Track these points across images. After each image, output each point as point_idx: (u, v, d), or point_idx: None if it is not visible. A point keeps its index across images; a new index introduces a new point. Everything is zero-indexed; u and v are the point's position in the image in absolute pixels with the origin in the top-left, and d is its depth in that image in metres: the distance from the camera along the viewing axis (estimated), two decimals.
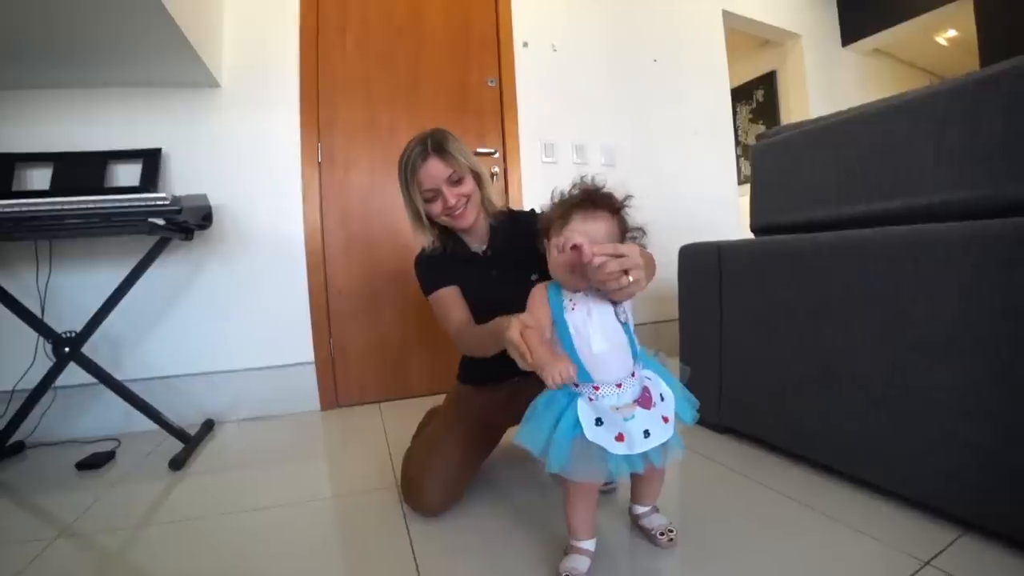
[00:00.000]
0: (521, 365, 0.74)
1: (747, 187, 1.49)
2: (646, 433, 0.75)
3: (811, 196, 1.25)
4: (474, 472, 1.12)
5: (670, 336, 1.64)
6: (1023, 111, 0.85)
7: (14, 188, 1.64)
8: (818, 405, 1.12)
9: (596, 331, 0.78)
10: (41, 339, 1.57)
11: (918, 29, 3.52)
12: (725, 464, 1.24)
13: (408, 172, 1.07)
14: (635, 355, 0.81)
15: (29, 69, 1.59)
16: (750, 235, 1.46)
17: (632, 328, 0.82)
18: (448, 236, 1.16)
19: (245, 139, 1.86)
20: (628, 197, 0.83)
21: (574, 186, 0.84)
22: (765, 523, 0.97)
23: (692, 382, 1.39)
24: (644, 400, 0.78)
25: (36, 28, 1.40)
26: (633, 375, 0.80)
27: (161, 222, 1.41)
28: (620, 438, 0.73)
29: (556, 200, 0.84)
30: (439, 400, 1.54)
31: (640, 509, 0.93)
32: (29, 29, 1.40)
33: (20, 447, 1.59)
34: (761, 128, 3.97)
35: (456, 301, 1.10)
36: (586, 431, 0.73)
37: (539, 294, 0.83)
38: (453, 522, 1.02)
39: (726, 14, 2.90)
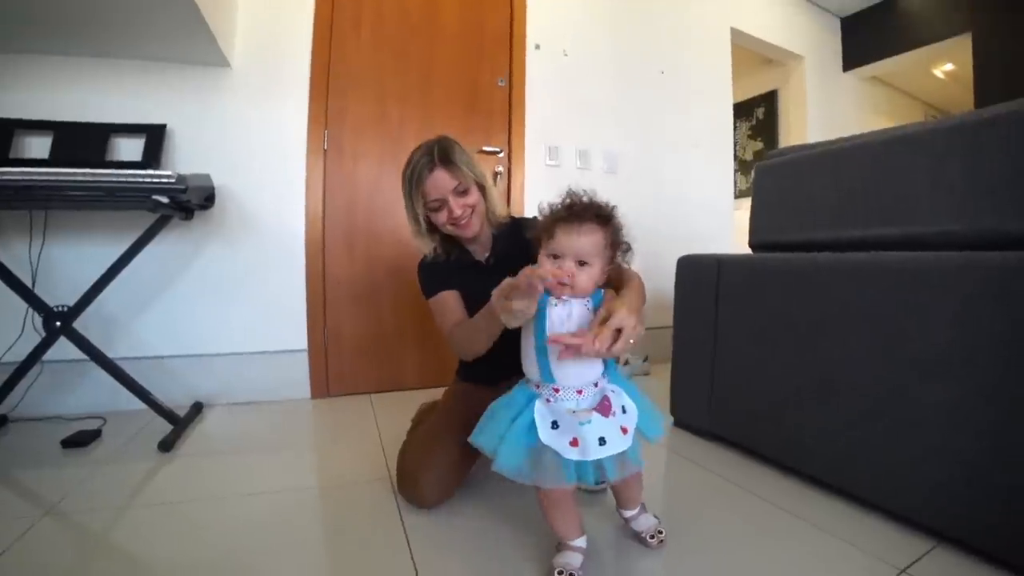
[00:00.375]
0: (521, 310, 0.74)
1: (743, 200, 1.53)
2: (601, 440, 0.75)
3: (810, 217, 1.28)
4: (469, 468, 1.13)
5: (664, 342, 1.67)
6: (1018, 153, 0.88)
7: (12, 155, 1.60)
8: (808, 418, 1.15)
9: (570, 330, 0.79)
10: (31, 311, 1.54)
11: (917, 61, 3.61)
12: (713, 470, 1.26)
13: (413, 182, 1.08)
14: (606, 366, 0.83)
15: (37, 35, 1.56)
16: (745, 248, 1.49)
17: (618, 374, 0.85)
18: (451, 244, 1.17)
19: (252, 122, 1.85)
20: (614, 207, 0.85)
21: (563, 197, 0.85)
22: (750, 527, 1.00)
23: (683, 388, 1.42)
24: (603, 408, 0.79)
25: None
26: (596, 385, 0.81)
27: (165, 200, 1.40)
28: (575, 443, 0.74)
29: (544, 213, 0.85)
30: (430, 394, 1.56)
31: (628, 513, 0.95)
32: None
33: (3, 421, 1.56)
34: (759, 144, 4.03)
35: (456, 303, 1.12)
36: (540, 433, 0.75)
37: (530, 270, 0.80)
38: (447, 515, 1.03)
39: (734, 31, 2.94)
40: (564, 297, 0.81)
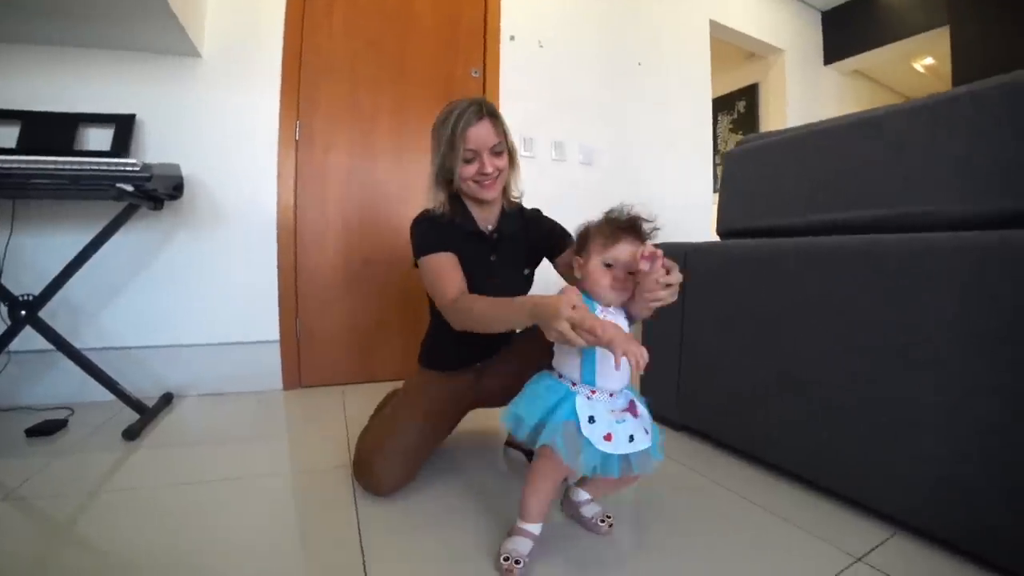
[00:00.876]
0: (575, 342, 0.73)
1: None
2: (631, 438, 0.80)
3: (777, 204, 1.29)
4: (427, 455, 1.13)
5: (634, 334, 1.67)
6: (981, 133, 0.89)
7: None
8: (772, 408, 1.17)
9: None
10: None
11: (897, 54, 3.64)
12: (678, 460, 1.27)
13: (457, 127, 1.04)
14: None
15: (2, 21, 1.54)
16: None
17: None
18: (458, 206, 1.13)
19: (223, 112, 1.83)
20: (656, 229, 0.89)
21: (617, 212, 0.89)
22: (708, 515, 1.01)
23: (652, 378, 1.43)
24: (632, 408, 0.83)
25: None
26: (622, 391, 0.85)
27: (130, 188, 1.39)
28: (608, 438, 0.78)
29: (601, 221, 0.88)
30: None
31: (582, 496, 0.96)
32: None
33: None
34: (741, 138, 4.05)
35: (455, 269, 1.04)
36: (581, 425, 0.78)
37: (574, 291, 0.81)
38: (403, 502, 1.04)
39: (713, 24, 2.96)
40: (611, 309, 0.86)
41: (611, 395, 0.83)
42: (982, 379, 0.80)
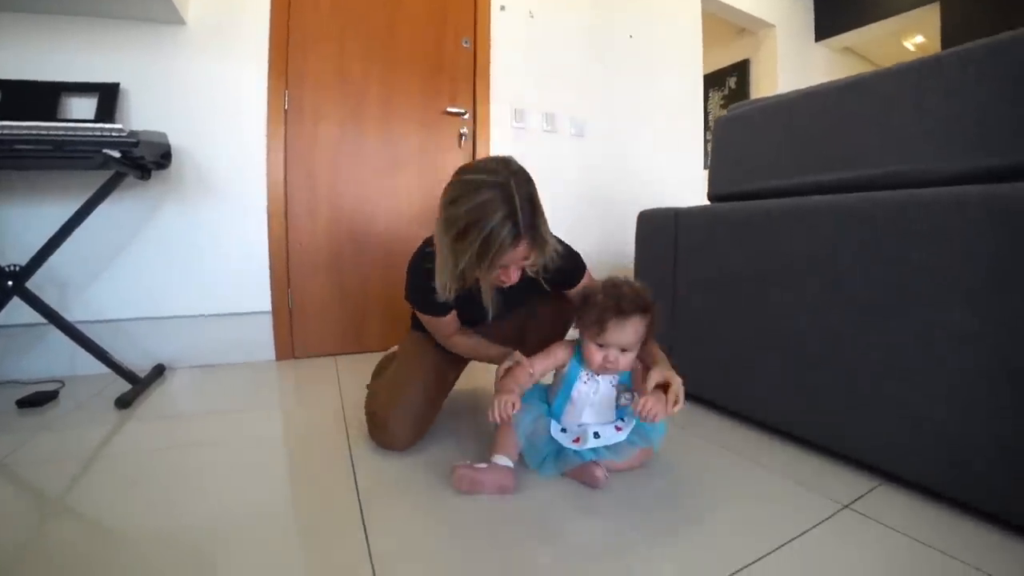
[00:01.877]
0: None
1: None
2: (596, 434, 0.94)
3: (767, 167, 1.30)
4: (437, 410, 1.15)
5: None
6: (965, 92, 0.90)
7: None
8: (757, 365, 1.19)
9: (592, 408, 0.98)
10: None
11: (888, 32, 3.64)
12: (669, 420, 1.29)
13: (490, 250, 0.83)
14: (620, 416, 1.01)
15: None
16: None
17: (629, 408, 0.97)
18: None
19: (209, 82, 1.80)
20: (651, 294, 0.96)
21: (607, 287, 0.95)
22: (699, 469, 1.03)
23: None
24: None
25: None
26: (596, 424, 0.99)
27: (116, 154, 1.36)
28: (576, 440, 0.94)
29: (597, 302, 0.93)
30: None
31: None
32: None
33: None
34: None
35: (452, 320, 1.10)
36: (552, 433, 0.97)
37: (562, 351, 1.01)
38: (398, 461, 1.05)
39: None
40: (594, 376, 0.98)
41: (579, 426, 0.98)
42: (964, 330, 0.82)
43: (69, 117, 1.64)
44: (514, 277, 0.93)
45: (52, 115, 1.59)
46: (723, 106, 4.14)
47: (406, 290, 1.10)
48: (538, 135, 2.36)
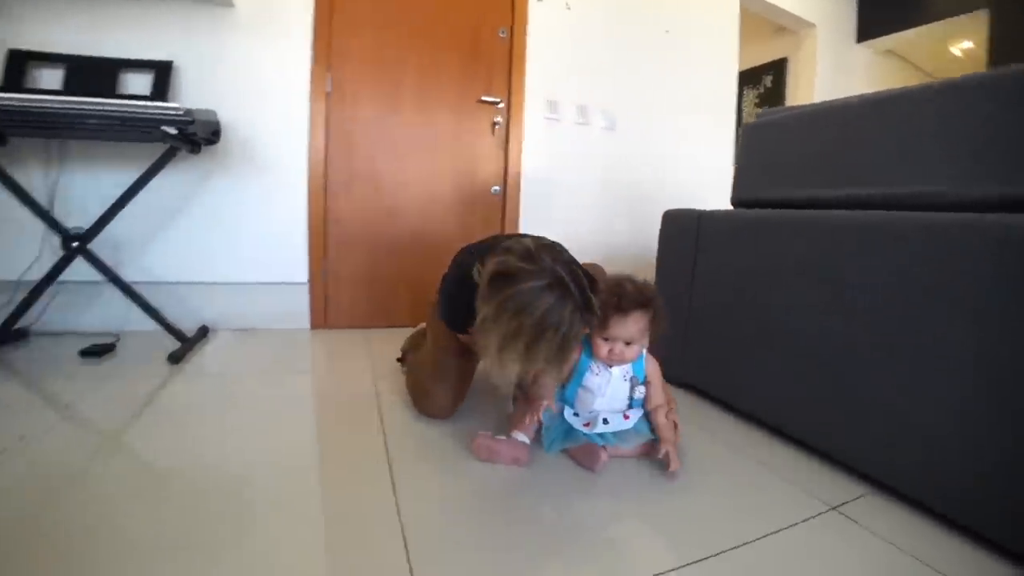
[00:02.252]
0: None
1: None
2: (604, 420, 1.01)
3: (791, 177, 1.33)
4: (469, 385, 1.25)
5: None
6: (991, 119, 0.92)
7: (26, 86, 1.66)
8: (762, 367, 1.24)
9: (603, 397, 1.04)
10: (46, 234, 1.66)
11: (934, 36, 3.53)
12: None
13: (568, 349, 0.87)
14: (631, 405, 1.07)
15: None
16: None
17: (641, 401, 1.07)
18: None
19: (256, 62, 1.89)
20: (655, 291, 1.03)
21: (610, 285, 1.00)
22: (698, 461, 1.08)
23: (662, 338, 1.52)
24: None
25: None
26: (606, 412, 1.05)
27: (174, 131, 1.47)
28: (587, 424, 1.03)
29: (600, 298, 0.94)
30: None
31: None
32: None
33: (24, 334, 1.68)
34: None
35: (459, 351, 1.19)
36: (565, 415, 1.07)
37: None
38: (424, 429, 1.15)
39: None
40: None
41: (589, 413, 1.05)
42: (964, 350, 0.85)
43: (126, 93, 1.75)
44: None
45: (112, 90, 1.70)
46: (757, 104, 4.08)
47: (441, 309, 1.17)
48: (570, 127, 2.40)
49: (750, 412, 1.32)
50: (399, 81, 2.08)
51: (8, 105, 1.38)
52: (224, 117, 1.81)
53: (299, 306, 2.03)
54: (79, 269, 1.61)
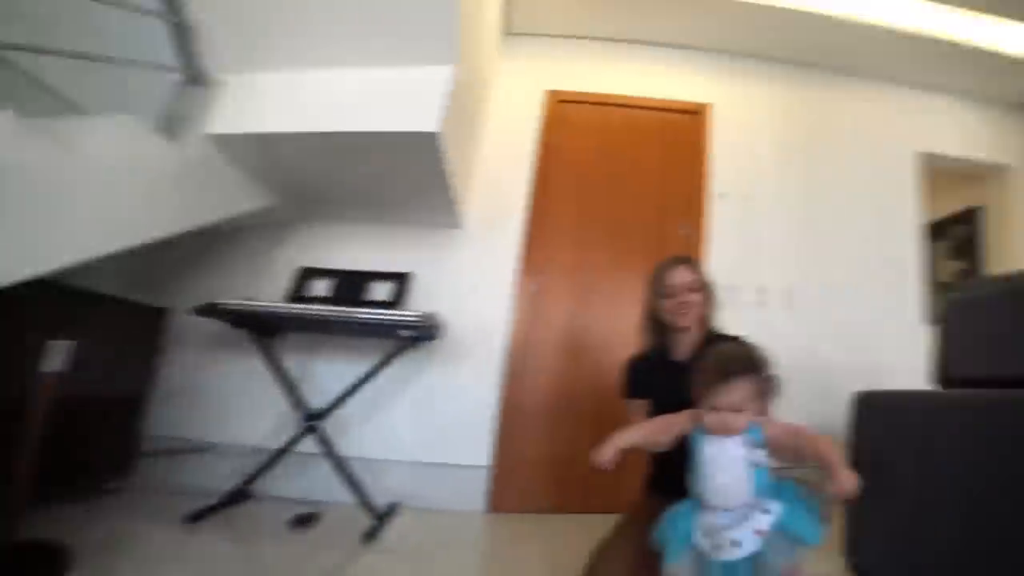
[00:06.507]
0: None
1: (936, 328, 1.40)
2: (734, 543, 0.88)
3: (1007, 353, 1.16)
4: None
5: None
6: None
7: (304, 294, 2.17)
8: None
9: (723, 471, 0.95)
10: (287, 409, 2.00)
11: None
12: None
13: (657, 274, 1.35)
14: (757, 490, 0.93)
15: (327, 208, 2.27)
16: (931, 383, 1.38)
17: (765, 469, 0.95)
18: (663, 339, 1.37)
19: (475, 271, 2.32)
20: (759, 353, 1.00)
21: (717, 351, 1.00)
22: None
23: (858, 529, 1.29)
24: (744, 518, 0.91)
25: (361, 186, 2.09)
26: (746, 504, 0.92)
27: (409, 334, 1.80)
28: (717, 547, 0.90)
29: (703, 364, 0.99)
30: (599, 519, 1.54)
31: None
32: (357, 188, 2.11)
33: (246, 495, 1.92)
34: (961, 264, 3.52)
35: (639, 409, 1.31)
36: (695, 538, 0.93)
37: (681, 417, 1.03)
38: None
39: (918, 155, 2.81)
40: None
41: (726, 509, 0.92)
42: None
43: (374, 298, 2.17)
44: (683, 298, 1.28)
45: (363, 296, 2.15)
46: (950, 256, 3.65)
47: (622, 380, 1.39)
48: (749, 309, 2.40)
49: None
50: (591, 281, 2.38)
51: (285, 312, 1.85)
52: (444, 314, 2.05)
53: (477, 488, 2.09)
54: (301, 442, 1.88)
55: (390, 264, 2.24)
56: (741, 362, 0.97)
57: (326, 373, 2.13)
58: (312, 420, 1.86)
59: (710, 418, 0.96)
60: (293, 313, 1.85)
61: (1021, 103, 3.18)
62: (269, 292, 2.20)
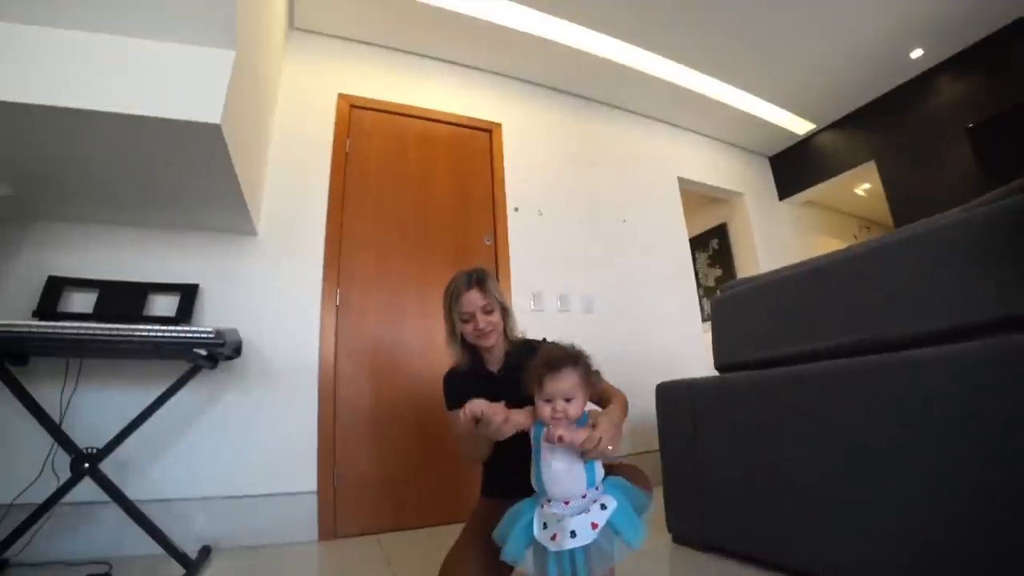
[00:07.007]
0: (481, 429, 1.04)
1: (710, 324, 1.75)
2: (572, 534, 0.94)
3: (761, 338, 1.52)
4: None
5: (653, 465, 1.75)
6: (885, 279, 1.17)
7: (60, 309, 1.78)
8: (769, 511, 1.33)
9: (555, 455, 1.02)
10: (50, 454, 1.63)
11: (839, 184, 4.13)
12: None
13: (452, 297, 1.35)
14: (591, 482, 1.02)
15: (92, 206, 1.86)
16: (714, 371, 1.71)
17: (596, 464, 1.04)
18: (473, 354, 1.41)
19: (273, 282, 2.13)
20: (579, 349, 1.12)
21: (542, 351, 1.10)
22: None
23: (676, 505, 1.55)
24: (582, 510, 0.98)
25: (126, 181, 1.70)
26: (584, 496, 1.00)
27: (204, 353, 1.59)
28: (554, 537, 0.95)
29: (532, 364, 1.09)
30: (438, 532, 1.59)
31: None
32: (119, 182, 1.70)
33: (4, 565, 1.54)
34: (718, 271, 4.50)
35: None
36: (535, 531, 0.99)
37: (523, 414, 1.08)
38: None
39: (681, 180, 3.52)
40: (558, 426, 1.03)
41: (566, 503, 0.99)
42: (950, 470, 0.97)
43: (154, 313, 1.89)
44: (481, 323, 1.30)
45: (140, 311, 1.84)
46: (709, 264, 4.61)
47: (444, 394, 1.39)
48: (553, 315, 2.68)
49: (765, 558, 1.36)
50: (400, 290, 2.35)
51: (40, 332, 1.44)
52: (244, 332, 1.91)
53: (307, 516, 1.96)
54: (76, 490, 1.53)
55: (169, 275, 1.96)
56: (567, 354, 1.09)
57: (99, 405, 1.78)
58: (84, 462, 1.55)
59: (546, 409, 1.05)
60: (44, 334, 1.46)
61: (749, 148, 4.19)
62: (8, 308, 1.76)
